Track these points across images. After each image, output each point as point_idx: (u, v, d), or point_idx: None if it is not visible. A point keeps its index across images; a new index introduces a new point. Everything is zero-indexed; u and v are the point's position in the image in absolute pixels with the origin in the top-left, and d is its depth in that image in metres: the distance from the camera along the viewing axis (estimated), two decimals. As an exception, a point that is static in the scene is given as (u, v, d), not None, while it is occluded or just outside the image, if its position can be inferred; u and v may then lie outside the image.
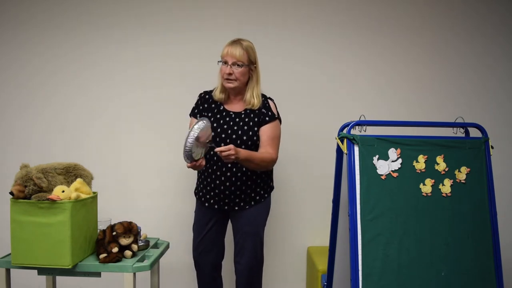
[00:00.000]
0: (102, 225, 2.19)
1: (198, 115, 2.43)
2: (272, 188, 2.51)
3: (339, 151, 2.09)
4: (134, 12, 2.96)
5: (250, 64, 2.33)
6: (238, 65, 2.29)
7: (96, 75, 2.98)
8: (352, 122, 2.05)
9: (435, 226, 1.96)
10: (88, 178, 2.15)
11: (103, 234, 2.07)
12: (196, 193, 2.50)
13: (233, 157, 2.13)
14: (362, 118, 2.07)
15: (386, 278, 1.88)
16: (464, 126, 2.16)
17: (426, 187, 1.99)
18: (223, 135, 2.33)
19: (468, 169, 2.03)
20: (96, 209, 2.15)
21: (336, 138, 2.03)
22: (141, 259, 2.10)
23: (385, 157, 1.98)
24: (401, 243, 1.92)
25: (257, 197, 2.40)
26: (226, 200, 2.36)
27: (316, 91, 3.01)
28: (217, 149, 2.12)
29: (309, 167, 3.01)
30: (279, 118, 2.41)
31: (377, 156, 1.97)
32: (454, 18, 3.04)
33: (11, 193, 1.90)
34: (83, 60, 2.97)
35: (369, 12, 3.01)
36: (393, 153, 1.99)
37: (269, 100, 2.43)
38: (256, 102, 2.35)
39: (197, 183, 2.51)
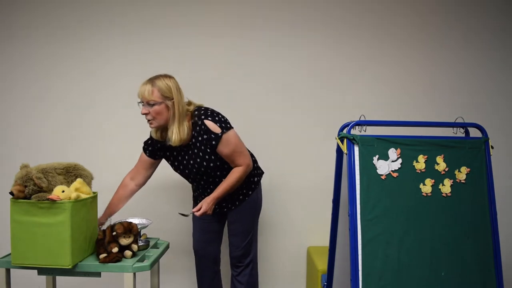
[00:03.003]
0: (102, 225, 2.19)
1: (148, 151, 2.41)
2: (256, 183, 2.48)
3: (339, 151, 2.09)
4: (136, 12, 2.96)
5: (165, 101, 2.19)
6: (150, 104, 2.19)
7: (96, 75, 2.98)
8: (352, 122, 2.05)
9: (435, 226, 1.96)
10: (88, 178, 2.15)
11: (103, 234, 2.07)
12: (193, 196, 2.59)
13: (209, 211, 2.26)
14: (362, 118, 2.07)
15: (386, 278, 1.88)
16: (464, 126, 2.16)
17: (426, 187, 1.99)
18: (186, 171, 2.37)
19: (468, 169, 2.03)
20: (96, 209, 2.15)
21: (336, 138, 2.03)
22: (141, 259, 2.10)
23: (385, 157, 1.98)
24: (401, 243, 1.92)
25: (241, 197, 2.42)
26: (216, 206, 2.37)
27: (316, 91, 3.01)
28: (196, 213, 2.24)
29: (309, 167, 3.01)
30: (225, 128, 2.25)
31: (377, 156, 1.97)
32: (454, 19, 3.03)
33: (11, 193, 1.90)
34: (83, 60, 2.97)
35: (369, 12, 3.01)
36: (393, 153, 1.99)
37: (205, 121, 2.24)
38: (182, 137, 2.21)
39: (192, 188, 2.58)
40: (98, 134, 2.99)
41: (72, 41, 2.97)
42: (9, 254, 2.01)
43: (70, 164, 2.13)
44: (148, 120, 2.24)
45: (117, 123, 2.99)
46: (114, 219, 2.28)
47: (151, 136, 2.40)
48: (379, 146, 1.98)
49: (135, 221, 2.24)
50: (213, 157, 2.28)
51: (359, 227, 1.90)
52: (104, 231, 2.07)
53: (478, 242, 1.98)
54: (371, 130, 2.09)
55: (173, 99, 2.20)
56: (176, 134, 2.21)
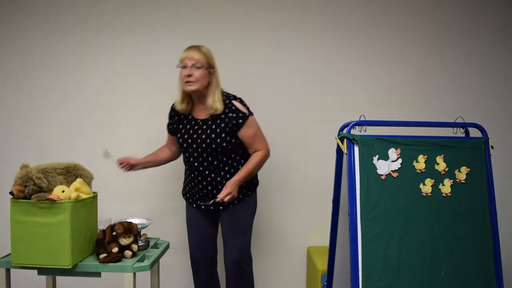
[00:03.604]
0: (102, 225, 2.19)
1: (169, 129, 2.52)
2: (256, 185, 2.52)
3: (339, 151, 2.09)
4: (134, 11, 2.96)
5: (209, 68, 2.31)
6: (197, 67, 2.28)
7: (96, 75, 2.98)
8: (352, 122, 2.05)
9: (435, 226, 1.96)
10: (88, 178, 2.15)
11: (103, 234, 2.07)
12: (183, 194, 2.55)
13: (235, 193, 2.25)
14: (362, 118, 2.07)
15: (386, 278, 1.88)
16: (464, 126, 2.16)
17: (426, 187, 1.99)
18: (194, 145, 2.36)
19: (468, 169, 2.03)
20: (96, 209, 2.15)
21: (336, 138, 2.03)
22: (141, 259, 2.10)
23: (385, 157, 1.98)
24: (401, 243, 1.92)
25: (240, 196, 2.40)
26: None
27: (316, 91, 3.01)
28: (218, 199, 2.22)
29: (309, 167, 3.01)
30: (250, 113, 2.36)
31: (377, 156, 1.97)
32: (453, 19, 3.03)
33: (11, 193, 1.90)
34: (83, 61, 2.97)
35: (369, 12, 3.00)
36: (393, 153, 1.99)
37: (233, 101, 2.35)
38: (219, 106, 2.30)
39: (183, 185, 2.55)
40: (98, 134, 2.99)
41: (73, 42, 2.97)
42: (9, 254, 2.01)
43: (70, 164, 2.13)
44: (189, 82, 2.29)
45: (117, 123, 2.99)
46: (114, 219, 2.27)
47: (171, 111, 2.51)
48: (379, 146, 1.98)
49: (135, 221, 2.24)
50: (228, 138, 2.32)
51: (359, 227, 1.90)
52: (104, 231, 2.08)
53: (478, 242, 1.98)
54: (371, 130, 2.09)
55: (214, 68, 2.34)
56: (219, 102, 2.31)
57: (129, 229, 2.04)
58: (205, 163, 2.35)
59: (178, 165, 2.86)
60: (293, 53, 2.99)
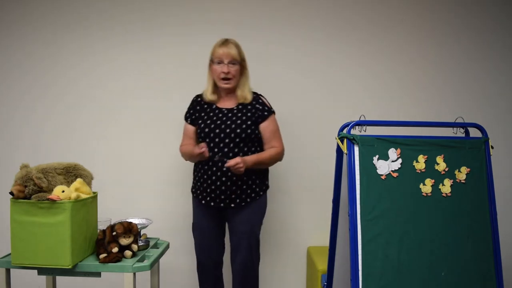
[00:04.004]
0: (102, 225, 2.19)
1: (190, 118, 2.50)
2: (267, 187, 2.53)
3: (339, 151, 2.09)
4: (135, 12, 2.96)
5: (242, 61, 2.41)
6: (233, 63, 2.36)
7: (96, 75, 2.98)
8: (352, 122, 2.04)
9: (435, 226, 1.96)
10: (88, 178, 2.15)
11: (103, 234, 2.07)
12: (193, 191, 2.52)
13: (242, 168, 2.25)
14: (362, 118, 2.07)
15: (386, 278, 1.88)
16: (464, 126, 2.16)
17: (426, 187, 1.99)
18: (217, 130, 2.36)
19: (468, 169, 2.03)
20: (96, 209, 2.15)
21: (336, 138, 2.03)
22: (141, 259, 2.10)
23: (385, 157, 1.98)
24: (401, 243, 1.92)
25: (253, 194, 2.41)
26: (222, 197, 2.37)
27: (316, 91, 3.01)
28: (227, 164, 2.24)
29: (309, 167, 3.01)
30: (273, 111, 2.48)
31: (377, 156, 1.97)
32: (453, 18, 3.03)
33: (11, 193, 1.90)
34: (82, 61, 2.97)
35: (369, 11, 3.00)
36: (393, 153, 1.99)
37: (260, 96, 2.49)
38: (249, 96, 2.42)
39: (193, 181, 2.52)
40: (98, 134, 2.98)
41: (73, 41, 2.96)
42: (9, 254, 2.01)
43: (70, 164, 2.13)
44: (226, 80, 2.37)
45: (118, 123, 2.99)
46: (114, 219, 2.27)
47: (193, 102, 2.52)
48: (379, 146, 1.98)
49: (135, 221, 2.24)
50: (252, 127, 2.37)
51: (359, 227, 1.90)
52: (104, 231, 2.08)
53: (478, 242, 1.98)
54: (371, 130, 2.09)
55: (245, 60, 2.44)
56: (249, 92, 2.43)
57: (129, 229, 2.04)
58: (225, 150, 2.35)
59: (179, 165, 2.87)
60: (292, 52, 2.99)
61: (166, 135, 2.96)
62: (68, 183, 2.05)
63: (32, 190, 1.91)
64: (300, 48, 2.99)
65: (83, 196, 2.00)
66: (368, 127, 2.07)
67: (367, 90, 3.02)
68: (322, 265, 2.57)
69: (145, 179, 2.98)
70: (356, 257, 1.87)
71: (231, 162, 2.24)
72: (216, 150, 2.36)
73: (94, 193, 2.12)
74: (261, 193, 2.46)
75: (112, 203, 2.73)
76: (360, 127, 2.06)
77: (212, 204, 2.40)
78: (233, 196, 2.38)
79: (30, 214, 1.89)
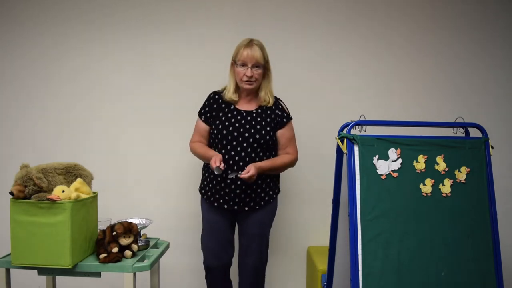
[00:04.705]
0: (102, 225, 2.19)
1: (205, 116, 2.43)
2: (279, 190, 2.52)
3: (339, 151, 2.09)
4: (137, 11, 2.95)
5: (266, 63, 2.37)
6: (257, 66, 2.31)
7: (96, 75, 2.97)
8: (352, 122, 2.05)
9: (435, 226, 1.96)
10: (88, 178, 2.15)
11: (103, 234, 2.07)
12: (203, 193, 2.45)
13: (255, 176, 2.22)
14: (362, 118, 2.07)
15: (386, 278, 1.88)
16: (464, 126, 2.16)
17: (426, 187, 1.99)
18: (235, 134, 2.32)
19: (468, 169, 2.03)
20: (96, 209, 2.15)
21: (336, 138, 2.03)
22: (141, 259, 2.10)
23: (385, 157, 1.98)
24: (401, 243, 1.92)
25: (266, 197, 2.39)
26: (237, 200, 2.34)
27: (315, 91, 3.01)
28: (241, 176, 2.20)
29: (309, 167, 3.01)
30: (291, 118, 2.46)
31: (377, 156, 1.97)
32: (453, 18, 3.03)
33: (11, 193, 1.90)
34: (83, 60, 2.97)
35: (369, 11, 3.00)
36: (393, 153, 1.99)
37: (280, 101, 2.45)
38: (270, 99, 2.38)
39: (203, 182, 2.46)
40: (98, 134, 2.98)
41: (72, 40, 2.96)
42: (9, 254, 2.01)
43: (70, 164, 2.13)
44: (249, 82, 2.32)
45: (118, 123, 2.99)
46: (114, 219, 2.27)
47: (209, 99, 2.44)
48: (379, 146, 1.98)
49: (135, 221, 2.24)
50: (271, 133, 2.35)
51: (359, 227, 1.90)
52: (104, 231, 2.07)
53: (478, 242, 1.98)
54: (371, 130, 2.09)
55: (269, 62, 2.39)
56: (270, 95, 2.39)
57: (129, 229, 2.03)
58: (242, 154, 2.31)
59: (179, 165, 2.87)
60: (292, 52, 2.98)
61: (166, 135, 2.96)
62: (68, 183, 2.05)
63: (32, 190, 1.91)
64: (299, 48, 2.99)
65: (83, 196, 2.00)
66: (368, 127, 2.07)
67: (367, 90, 3.01)
68: (322, 265, 2.57)
69: (145, 179, 2.98)
70: (356, 257, 1.88)
71: (245, 175, 2.20)
72: (232, 153, 2.31)
73: (94, 193, 2.12)
74: (274, 196, 2.45)
75: (112, 203, 2.73)
76: (360, 127, 2.06)
77: (225, 206, 2.36)
78: (247, 199, 2.35)
79: (30, 214, 1.89)
